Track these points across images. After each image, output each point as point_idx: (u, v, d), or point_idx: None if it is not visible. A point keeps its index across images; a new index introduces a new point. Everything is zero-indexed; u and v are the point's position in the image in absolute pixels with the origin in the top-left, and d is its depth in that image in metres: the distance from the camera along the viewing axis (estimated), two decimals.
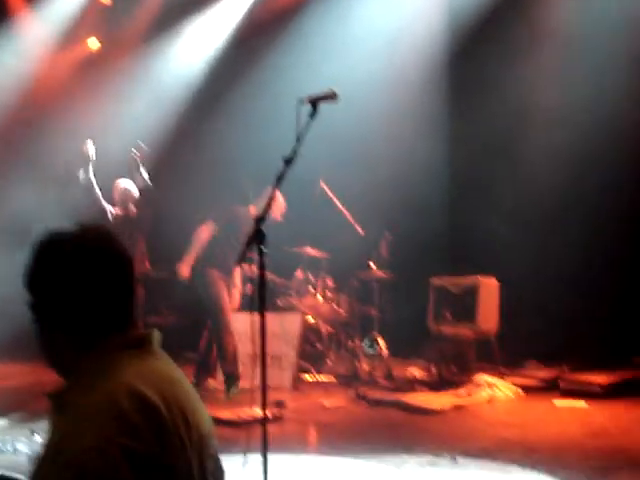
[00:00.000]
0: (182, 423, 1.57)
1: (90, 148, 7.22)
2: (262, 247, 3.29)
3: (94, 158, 7.26)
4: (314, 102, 3.58)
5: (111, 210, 7.52)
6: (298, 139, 3.47)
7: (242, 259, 3.23)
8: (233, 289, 7.71)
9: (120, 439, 1.44)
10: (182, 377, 1.70)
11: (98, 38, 11.05)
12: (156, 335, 1.70)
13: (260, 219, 3.29)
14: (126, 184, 7.54)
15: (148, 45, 10.46)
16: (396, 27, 9.05)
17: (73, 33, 10.75)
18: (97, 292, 1.64)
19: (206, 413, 1.71)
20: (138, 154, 7.36)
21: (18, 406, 6.67)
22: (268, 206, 3.37)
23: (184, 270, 7.51)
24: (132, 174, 7.52)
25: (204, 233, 7.48)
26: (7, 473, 2.66)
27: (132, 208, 7.56)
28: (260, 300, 3.31)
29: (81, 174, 7.25)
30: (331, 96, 3.64)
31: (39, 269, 1.65)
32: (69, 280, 1.62)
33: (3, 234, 8.92)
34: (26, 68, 10.51)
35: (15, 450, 5.10)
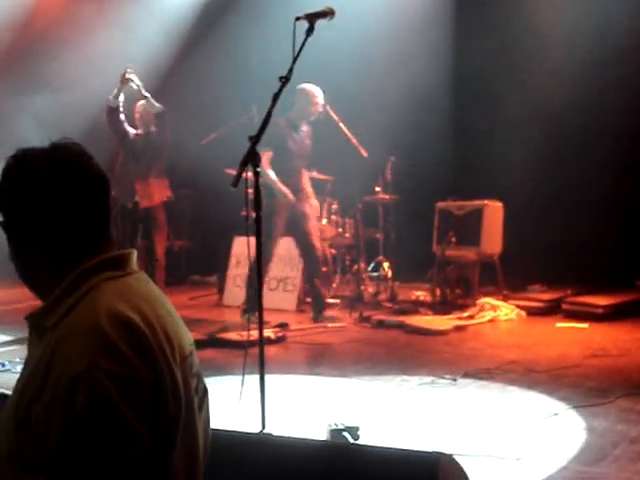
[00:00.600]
0: (165, 342, 1.54)
1: (131, 74, 7.14)
2: (257, 168, 3.25)
3: (132, 84, 7.16)
4: (311, 19, 3.50)
5: (136, 132, 7.44)
6: (294, 57, 3.40)
7: (237, 180, 3.19)
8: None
9: (105, 365, 1.42)
10: (163, 296, 1.68)
11: None
12: (133, 255, 1.67)
13: (255, 139, 3.24)
14: (146, 105, 7.39)
15: None
16: None
17: None
18: (69, 210, 1.59)
19: (187, 332, 1.70)
20: (131, 71, 7.19)
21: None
22: (263, 125, 3.32)
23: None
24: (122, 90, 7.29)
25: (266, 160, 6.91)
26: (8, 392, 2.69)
27: (153, 129, 7.43)
28: (256, 220, 3.30)
29: (112, 97, 7.17)
30: (328, 13, 3.55)
31: (9, 187, 1.61)
32: (40, 198, 1.58)
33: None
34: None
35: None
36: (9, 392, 2.53)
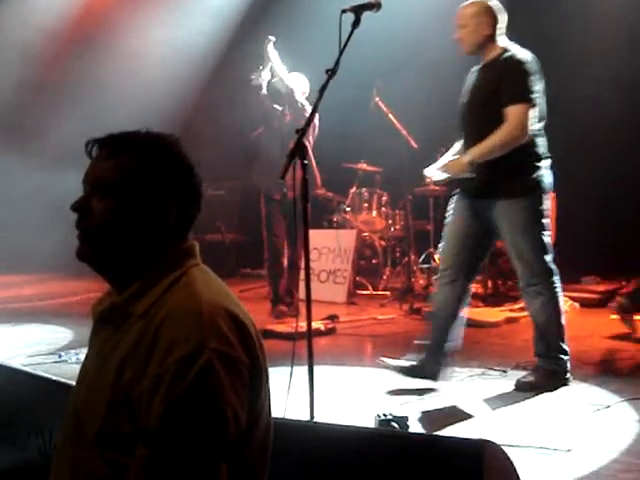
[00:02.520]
0: (255, 331, 1.65)
1: (271, 49, 6.89)
2: (305, 161, 3.28)
3: (274, 60, 6.91)
4: (357, 11, 3.50)
5: (282, 111, 7.01)
6: (340, 50, 3.41)
7: (285, 172, 3.22)
8: None
9: (214, 344, 1.51)
10: None
11: None
12: (198, 246, 1.76)
13: (302, 132, 3.27)
14: (277, 84, 6.96)
15: None
16: None
17: None
18: (180, 195, 1.69)
19: None
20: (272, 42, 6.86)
21: (83, 319, 6.94)
22: (310, 118, 3.35)
23: None
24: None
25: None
26: (70, 382, 2.76)
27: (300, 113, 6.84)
28: (304, 215, 3.33)
29: (256, 75, 6.95)
30: (375, 5, 3.55)
31: (157, 166, 1.68)
32: (167, 179, 1.68)
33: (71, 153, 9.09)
34: None
35: (78, 360, 5.31)
36: (68, 381, 2.60)
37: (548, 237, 4.60)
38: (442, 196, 8.33)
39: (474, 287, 7.97)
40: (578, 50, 8.34)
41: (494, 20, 4.49)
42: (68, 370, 5.06)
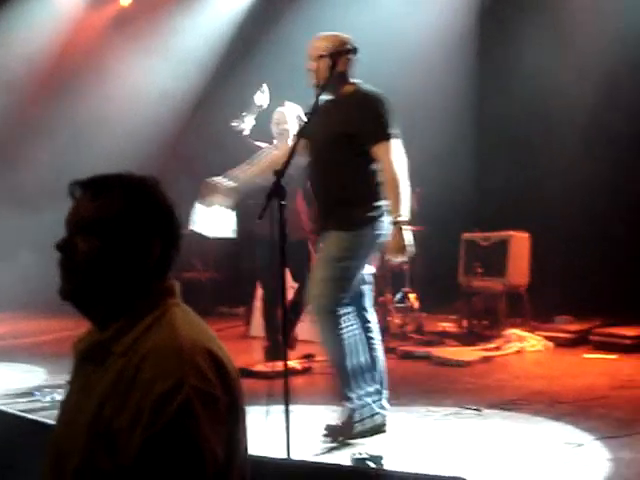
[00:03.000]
0: (234, 370, 1.67)
1: (264, 95, 6.76)
2: (282, 202, 3.33)
3: (265, 106, 6.80)
4: (333, 57, 3.59)
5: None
6: (317, 94, 3.50)
7: (263, 213, 3.27)
8: None
9: (192, 381, 1.53)
10: None
11: None
12: (178, 286, 1.79)
13: (280, 173, 3.32)
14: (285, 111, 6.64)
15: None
16: None
17: None
18: (162, 236, 1.73)
19: None
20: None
21: (57, 358, 6.89)
22: (288, 160, 3.41)
23: None
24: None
25: None
26: (46, 420, 2.75)
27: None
28: (281, 253, 3.37)
29: (240, 121, 6.81)
30: (351, 51, 3.65)
31: (121, 208, 1.70)
32: (149, 222, 1.71)
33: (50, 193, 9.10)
34: (59, 26, 10.60)
35: (53, 400, 5.27)
36: (47, 420, 2.61)
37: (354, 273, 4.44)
38: (418, 235, 8.40)
39: (449, 326, 8.06)
40: (542, 89, 8.51)
41: (348, 56, 4.20)
42: (43, 409, 5.02)
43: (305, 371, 6.30)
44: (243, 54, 10.08)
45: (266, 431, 3.77)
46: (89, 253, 1.69)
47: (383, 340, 7.31)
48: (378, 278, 8.70)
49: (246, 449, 1.73)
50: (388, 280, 8.39)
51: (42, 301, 8.62)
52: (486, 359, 6.78)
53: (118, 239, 1.69)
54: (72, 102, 10.42)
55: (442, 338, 7.67)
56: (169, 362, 1.55)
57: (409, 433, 4.54)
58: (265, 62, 9.59)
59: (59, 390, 5.40)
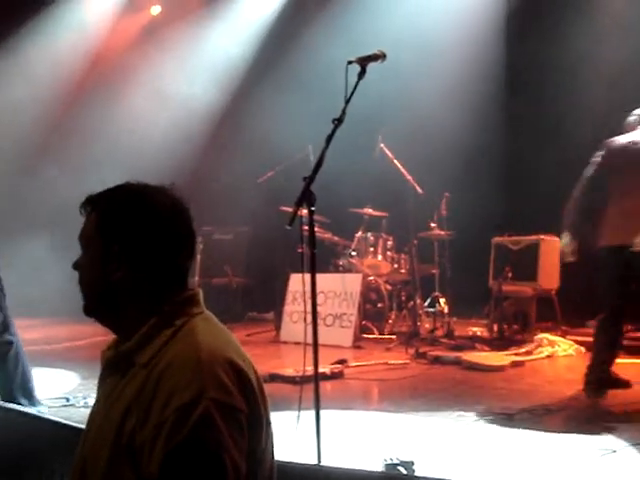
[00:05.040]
0: (256, 379, 1.67)
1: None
2: (312, 207, 3.35)
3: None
4: (362, 63, 3.60)
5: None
6: (346, 100, 3.50)
7: (293, 219, 3.29)
8: None
9: (212, 393, 1.53)
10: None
11: (159, 3, 11.23)
12: (201, 294, 1.79)
13: (310, 179, 3.34)
14: None
15: (207, 8, 10.58)
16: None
17: (136, 0, 10.96)
18: (177, 245, 1.74)
19: None
20: None
21: (90, 363, 6.97)
22: (317, 166, 3.42)
23: None
24: None
25: None
26: (77, 425, 2.79)
27: None
28: (311, 258, 3.39)
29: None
30: (379, 56, 3.65)
31: (132, 215, 1.71)
32: (158, 230, 1.71)
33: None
34: (89, 36, 10.74)
35: (86, 404, 5.32)
36: (79, 425, 2.64)
37: None
38: (447, 240, 8.40)
39: (479, 331, 8.03)
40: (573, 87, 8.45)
41: None
42: (75, 414, 5.07)
43: (335, 376, 6.31)
44: (271, 62, 10.15)
45: (297, 437, 3.79)
46: (83, 269, 1.75)
47: (413, 344, 7.38)
48: (407, 283, 8.73)
49: (272, 459, 1.72)
50: (417, 285, 8.39)
51: (75, 307, 8.75)
52: (517, 364, 6.75)
53: (104, 253, 1.71)
54: (101, 112, 10.55)
55: (472, 343, 7.65)
56: (188, 374, 1.55)
57: (440, 438, 4.53)
58: (292, 70, 9.65)
59: (92, 395, 5.46)
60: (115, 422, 1.62)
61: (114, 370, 1.72)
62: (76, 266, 1.77)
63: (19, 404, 4.45)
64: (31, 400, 4.56)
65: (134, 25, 11.27)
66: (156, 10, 11.32)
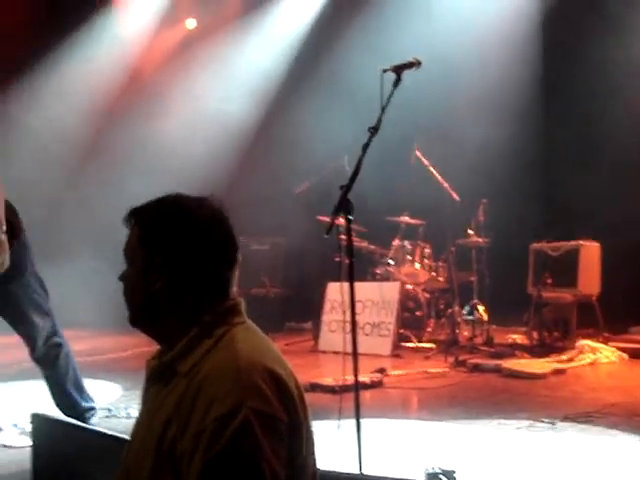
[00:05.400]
0: (296, 388, 1.67)
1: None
2: (349, 216, 3.36)
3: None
4: (398, 71, 3.61)
5: None
6: (382, 108, 3.51)
7: (330, 228, 3.31)
8: None
9: (251, 403, 1.53)
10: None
11: (195, 17, 11.36)
12: (244, 303, 1.81)
13: (347, 188, 3.35)
14: None
15: (241, 21, 10.67)
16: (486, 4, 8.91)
17: (172, 13, 11.08)
18: (219, 256, 1.75)
19: None
20: None
21: (132, 374, 7.04)
22: (354, 175, 3.43)
23: None
24: None
25: None
26: (121, 436, 2.82)
27: None
28: (349, 267, 3.39)
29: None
30: (415, 64, 3.65)
31: (172, 227, 1.73)
32: (198, 241, 1.72)
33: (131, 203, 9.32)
34: (127, 50, 10.89)
35: (128, 415, 5.37)
36: (124, 436, 2.67)
37: None
38: (485, 247, 8.34)
39: (519, 338, 7.95)
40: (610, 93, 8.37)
41: None
42: (118, 425, 5.12)
43: (374, 385, 6.29)
44: (305, 72, 10.21)
45: (338, 445, 3.79)
46: (127, 281, 1.79)
47: (452, 352, 7.34)
48: (445, 291, 8.69)
49: (314, 468, 1.72)
50: (456, 293, 8.34)
51: (118, 318, 8.83)
52: (558, 371, 6.67)
53: (146, 264, 1.74)
54: (138, 127, 10.69)
55: (512, 350, 7.58)
56: (227, 383, 1.56)
57: (481, 447, 4.50)
58: (326, 79, 9.69)
59: (134, 406, 5.51)
60: (157, 431, 1.64)
61: (157, 379, 1.75)
62: (121, 278, 1.81)
63: (73, 399, 4.49)
64: (82, 395, 4.60)
65: (170, 39, 11.41)
66: (191, 24, 11.44)
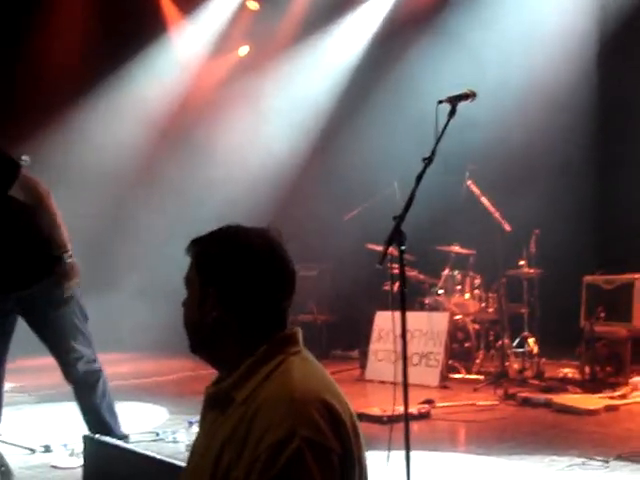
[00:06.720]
0: (349, 419, 1.66)
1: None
2: (402, 246, 3.34)
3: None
4: (453, 102, 3.60)
5: None
6: (437, 139, 3.50)
7: (384, 259, 3.30)
8: None
9: (303, 433, 1.53)
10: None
11: (247, 44, 11.51)
12: (301, 333, 1.81)
13: (400, 218, 3.35)
14: None
15: (294, 48, 10.78)
16: (541, 27, 8.86)
17: (224, 41, 11.25)
18: (275, 287, 1.75)
19: None
20: None
21: (178, 398, 7.07)
22: (408, 205, 3.42)
23: None
24: None
25: None
26: (172, 461, 2.82)
27: None
28: (401, 298, 3.37)
29: None
30: (470, 95, 3.64)
31: (230, 258, 1.75)
32: (256, 272, 1.73)
33: (179, 234, 9.45)
34: (181, 76, 11.08)
35: (175, 439, 5.39)
36: (171, 460, 2.67)
37: None
38: (536, 279, 8.22)
39: (570, 373, 7.79)
40: None
41: None
42: (164, 448, 5.15)
43: (422, 416, 6.22)
44: (356, 101, 10.26)
45: (387, 478, 3.75)
46: (186, 308, 1.81)
47: (501, 385, 7.22)
48: (495, 322, 8.57)
49: None
50: (506, 324, 8.23)
51: (163, 342, 8.95)
52: (611, 407, 6.51)
53: (202, 293, 1.76)
54: (192, 155, 10.85)
55: (563, 384, 7.41)
56: (280, 412, 1.56)
57: None
58: (377, 107, 9.72)
59: (181, 430, 5.53)
60: (212, 458, 1.65)
61: (214, 406, 1.76)
62: (183, 304, 1.84)
63: (108, 426, 4.52)
64: (116, 422, 4.64)
65: (222, 66, 11.57)
66: (244, 51, 11.59)
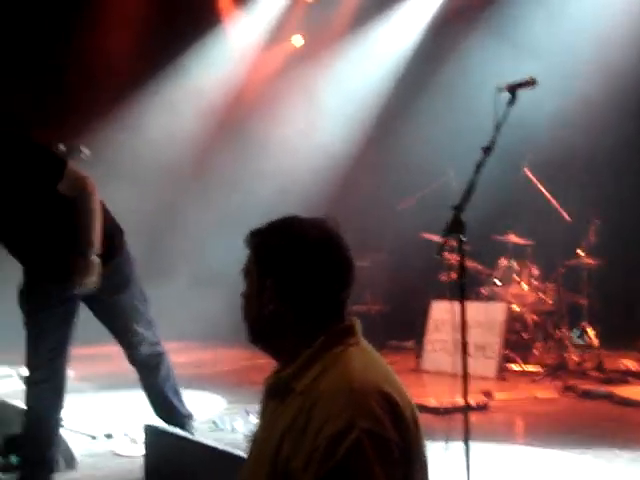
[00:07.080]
0: (410, 410, 1.66)
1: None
2: (461, 236, 3.31)
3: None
4: (513, 89, 3.54)
5: None
6: (496, 127, 3.45)
7: (442, 248, 3.27)
8: None
9: (363, 424, 1.53)
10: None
11: (302, 35, 11.51)
12: (359, 324, 1.80)
13: (459, 208, 3.31)
14: None
15: (348, 39, 10.74)
16: (604, 22, 8.64)
17: (279, 32, 11.26)
18: (332, 278, 1.75)
19: None
20: None
21: (235, 388, 7.14)
22: (467, 195, 3.38)
23: None
24: None
25: None
26: (231, 450, 2.84)
27: None
28: (460, 288, 3.34)
29: None
30: (530, 83, 3.58)
31: (286, 249, 1.75)
32: (312, 263, 1.73)
33: (234, 225, 9.53)
34: (236, 68, 11.13)
35: (233, 429, 5.44)
36: (230, 450, 2.69)
37: None
38: (596, 269, 8.07)
39: (632, 364, 7.63)
40: None
41: None
42: (223, 438, 5.19)
43: (480, 408, 6.16)
44: (410, 88, 10.18)
45: (445, 468, 3.73)
46: (244, 299, 1.82)
47: (560, 377, 7.11)
48: (554, 313, 8.44)
49: None
50: (565, 315, 8.09)
51: (221, 332, 9.03)
52: None
53: (259, 283, 1.76)
54: (245, 146, 10.90)
55: (624, 377, 7.27)
56: (340, 403, 1.56)
57: (596, 478, 4.33)
58: (432, 95, 9.62)
59: (239, 419, 5.58)
60: (272, 448, 1.65)
61: (274, 396, 1.77)
62: (242, 295, 1.85)
63: (174, 407, 4.55)
64: (182, 403, 4.67)
65: (277, 57, 11.58)
66: (297, 40, 11.58)
